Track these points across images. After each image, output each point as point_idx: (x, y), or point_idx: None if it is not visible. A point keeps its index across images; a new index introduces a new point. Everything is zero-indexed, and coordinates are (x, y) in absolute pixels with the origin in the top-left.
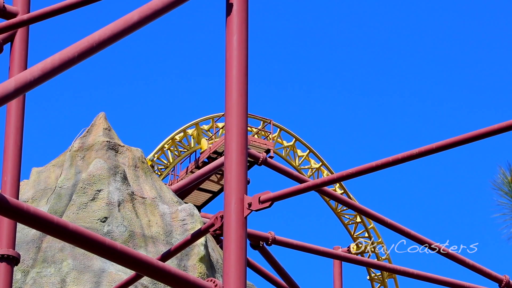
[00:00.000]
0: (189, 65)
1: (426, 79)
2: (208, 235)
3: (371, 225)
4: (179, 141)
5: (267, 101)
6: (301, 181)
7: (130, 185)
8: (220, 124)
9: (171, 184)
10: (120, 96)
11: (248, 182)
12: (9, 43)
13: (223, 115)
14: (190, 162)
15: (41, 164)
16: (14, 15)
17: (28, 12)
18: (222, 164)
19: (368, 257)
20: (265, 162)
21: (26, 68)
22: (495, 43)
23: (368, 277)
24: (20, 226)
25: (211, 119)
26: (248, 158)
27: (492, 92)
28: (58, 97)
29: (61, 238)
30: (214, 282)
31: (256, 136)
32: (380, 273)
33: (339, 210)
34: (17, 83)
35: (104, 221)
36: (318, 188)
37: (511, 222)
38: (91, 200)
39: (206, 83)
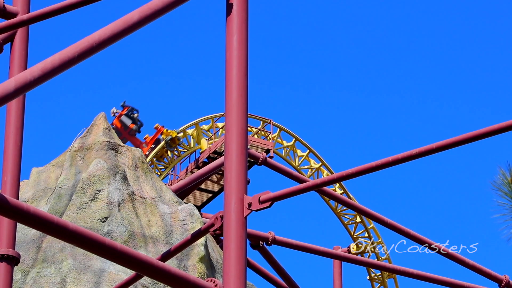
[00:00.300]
0: (189, 65)
1: (426, 79)
2: (208, 235)
3: (371, 225)
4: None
5: (267, 101)
6: (301, 181)
7: (130, 185)
8: (220, 124)
9: (171, 184)
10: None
11: (248, 182)
12: (9, 43)
13: (223, 115)
14: (190, 162)
15: (41, 164)
16: (14, 15)
17: (28, 12)
18: (222, 164)
19: (368, 257)
20: (265, 162)
21: (26, 68)
22: (495, 43)
23: (368, 277)
24: (20, 226)
25: (211, 119)
26: (248, 158)
27: (492, 92)
28: (58, 97)
29: (61, 238)
30: (214, 282)
31: (256, 136)
32: (380, 273)
33: (339, 210)
34: (17, 83)
35: (104, 221)
36: (318, 188)
37: (511, 222)
38: (91, 200)
39: (206, 83)
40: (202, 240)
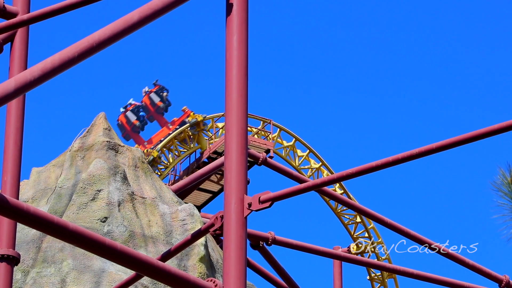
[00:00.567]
0: (189, 65)
1: (426, 79)
2: (208, 235)
3: (371, 225)
4: (179, 141)
5: (267, 101)
6: (301, 181)
7: (130, 185)
8: (220, 124)
9: (171, 184)
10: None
11: (248, 182)
12: (9, 43)
13: (223, 115)
14: (190, 162)
15: (41, 164)
16: (14, 15)
17: (28, 12)
18: (222, 164)
19: (368, 257)
20: (265, 162)
21: (26, 68)
22: (495, 43)
23: (368, 277)
24: (20, 226)
25: (211, 119)
26: (248, 158)
27: (492, 92)
28: (58, 97)
29: (61, 238)
30: (214, 282)
31: (256, 136)
32: (380, 273)
33: (339, 210)
34: (17, 83)
35: (104, 221)
36: (318, 188)
37: (511, 222)
38: (91, 200)
39: (206, 83)
40: (202, 240)
